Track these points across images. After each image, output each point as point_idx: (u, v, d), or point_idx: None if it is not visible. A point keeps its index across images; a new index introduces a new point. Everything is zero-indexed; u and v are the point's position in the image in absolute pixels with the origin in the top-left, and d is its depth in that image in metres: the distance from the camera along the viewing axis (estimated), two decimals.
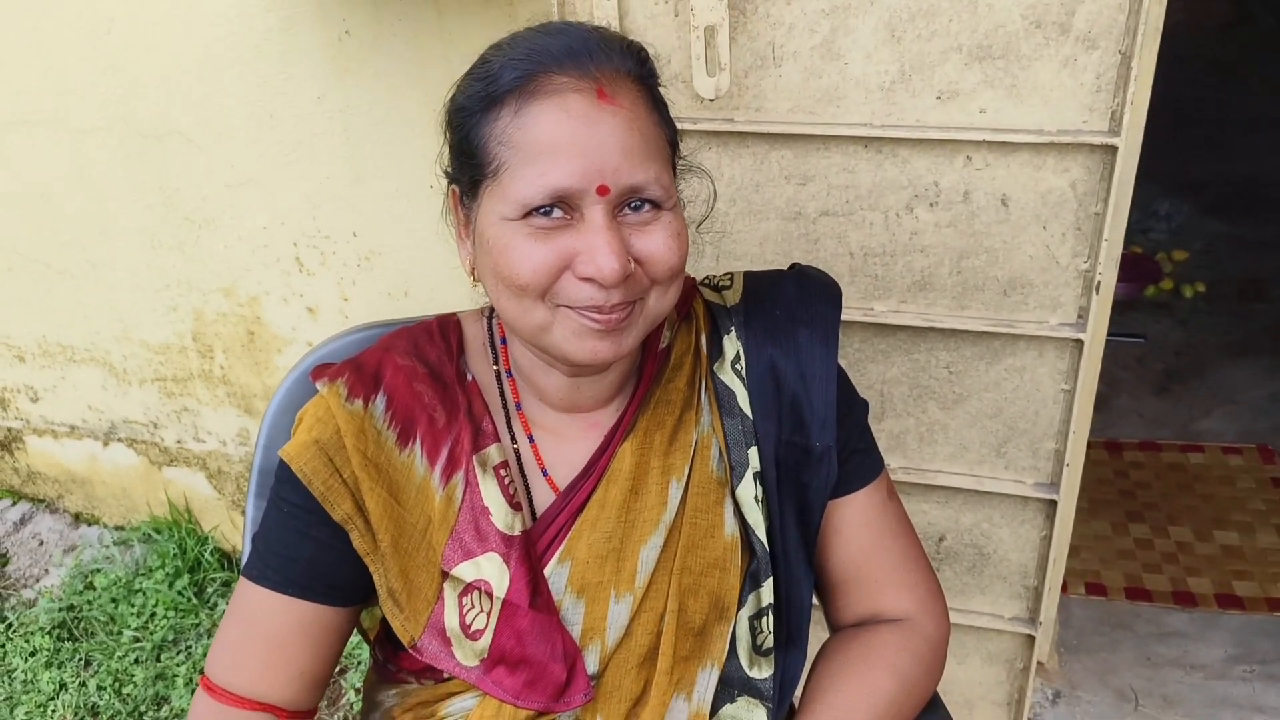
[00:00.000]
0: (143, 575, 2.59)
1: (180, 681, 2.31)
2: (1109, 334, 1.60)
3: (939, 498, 1.72)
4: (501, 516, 0.97)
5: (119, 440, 2.64)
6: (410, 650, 0.98)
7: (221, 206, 2.15)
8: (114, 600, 2.54)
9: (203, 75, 2.01)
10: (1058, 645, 2.15)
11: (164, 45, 2.01)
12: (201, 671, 1.02)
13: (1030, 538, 1.71)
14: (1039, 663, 1.98)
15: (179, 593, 2.52)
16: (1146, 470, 2.80)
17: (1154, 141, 2.61)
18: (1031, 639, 1.78)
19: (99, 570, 2.63)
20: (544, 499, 1.02)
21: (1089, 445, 2.33)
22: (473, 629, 0.97)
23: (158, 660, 2.38)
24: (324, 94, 1.92)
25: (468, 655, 0.97)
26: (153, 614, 2.50)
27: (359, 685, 2.23)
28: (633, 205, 0.89)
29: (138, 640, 2.43)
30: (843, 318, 1.58)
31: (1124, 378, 3.14)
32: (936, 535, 1.76)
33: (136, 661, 2.37)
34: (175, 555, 2.60)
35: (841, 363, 1.61)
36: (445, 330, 1.06)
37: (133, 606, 2.51)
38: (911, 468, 1.71)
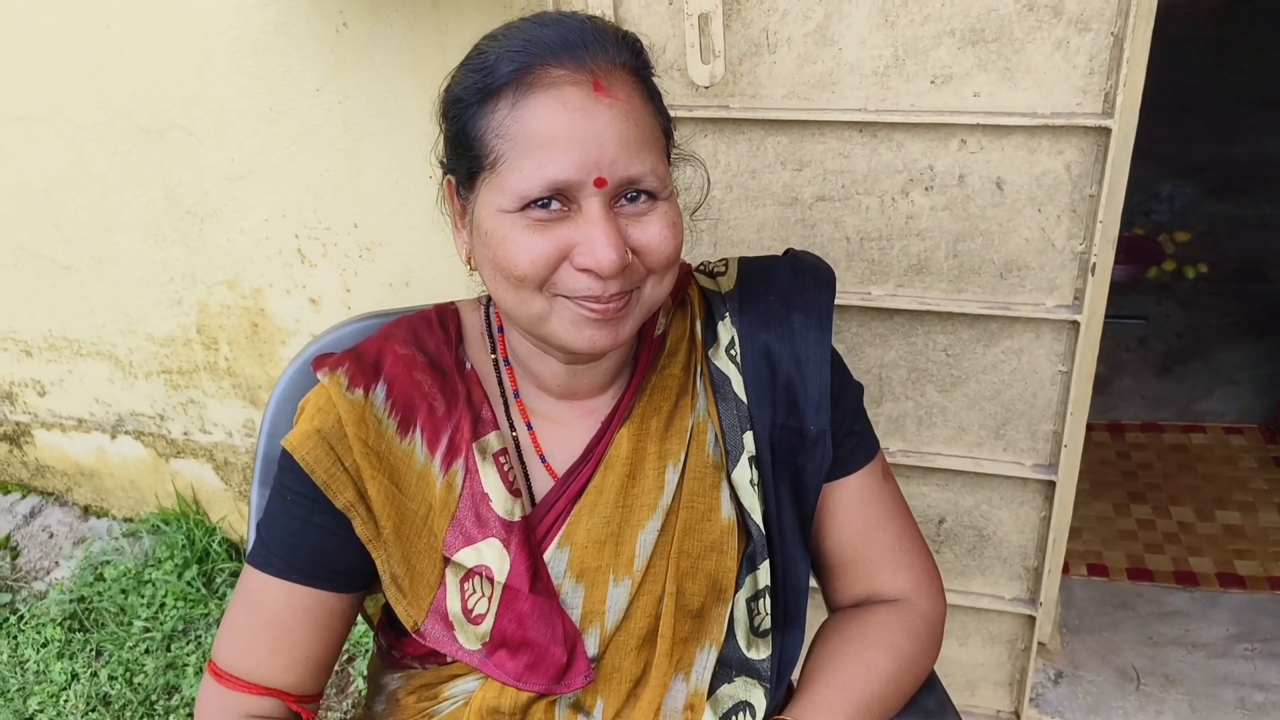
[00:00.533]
0: (152, 566, 2.62)
1: (190, 671, 2.34)
2: (1110, 315, 1.60)
3: (938, 480, 1.73)
4: (501, 503, 0.99)
5: (126, 433, 2.66)
6: (414, 635, 0.99)
7: (223, 200, 2.16)
8: (124, 591, 2.56)
9: (202, 69, 2.02)
10: (1059, 626, 2.16)
11: (163, 40, 2.02)
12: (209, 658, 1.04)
13: (1030, 519, 1.72)
14: (1040, 643, 2.00)
15: (188, 583, 2.54)
16: (1148, 451, 2.80)
17: (1156, 123, 2.61)
18: (1032, 619, 1.79)
19: (108, 562, 2.66)
20: (543, 485, 1.03)
21: (1091, 427, 2.33)
22: (474, 613, 0.98)
23: (168, 650, 2.40)
24: (322, 86, 1.93)
25: (470, 639, 0.99)
26: (162, 604, 2.52)
27: (366, 673, 2.25)
28: (629, 196, 0.90)
29: (148, 630, 2.45)
30: (840, 302, 1.60)
31: (1126, 359, 3.15)
32: (936, 517, 1.77)
33: (147, 651, 2.40)
34: (184, 546, 2.62)
35: (839, 347, 1.63)
36: (444, 319, 1.07)
37: (142, 597, 2.53)
38: (911, 450, 1.72)
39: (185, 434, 2.58)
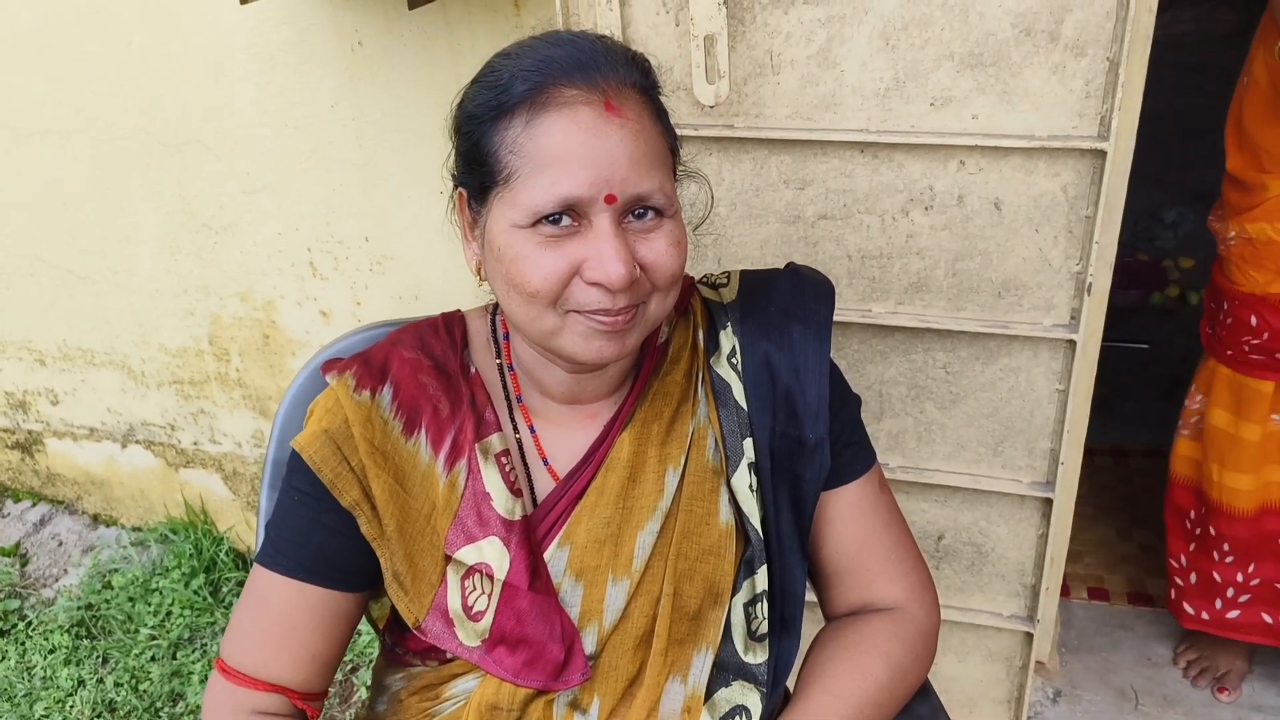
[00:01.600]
0: (159, 575, 2.65)
1: (195, 679, 2.36)
2: (1112, 340, 1.61)
3: (937, 496, 1.75)
4: (502, 502, 1.01)
5: (137, 442, 2.69)
6: (415, 631, 1.02)
7: (238, 213, 2.20)
8: (131, 599, 2.59)
9: (220, 85, 2.07)
10: (1059, 645, 2.17)
11: (182, 57, 2.07)
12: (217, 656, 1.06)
13: (1028, 536, 1.73)
14: (1039, 662, 2.01)
15: (195, 592, 2.57)
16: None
17: (1161, 149, 2.61)
18: (1030, 637, 1.81)
19: (117, 570, 2.69)
20: (544, 486, 1.06)
21: (1094, 451, 2.33)
22: (474, 610, 1.01)
23: (174, 658, 2.43)
24: (337, 103, 1.97)
25: (469, 636, 1.01)
26: (169, 613, 2.55)
27: (371, 675, 2.27)
28: (636, 212, 0.93)
29: (154, 638, 2.47)
30: (841, 319, 1.63)
31: (1128, 383, 3.16)
32: (935, 534, 1.79)
33: (153, 659, 2.42)
34: (191, 555, 2.65)
35: (841, 363, 1.66)
36: (450, 325, 1.10)
37: (149, 605, 2.56)
38: (910, 467, 1.74)
39: (195, 444, 2.61)
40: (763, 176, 1.59)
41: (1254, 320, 1.81)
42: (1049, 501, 1.68)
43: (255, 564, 1.05)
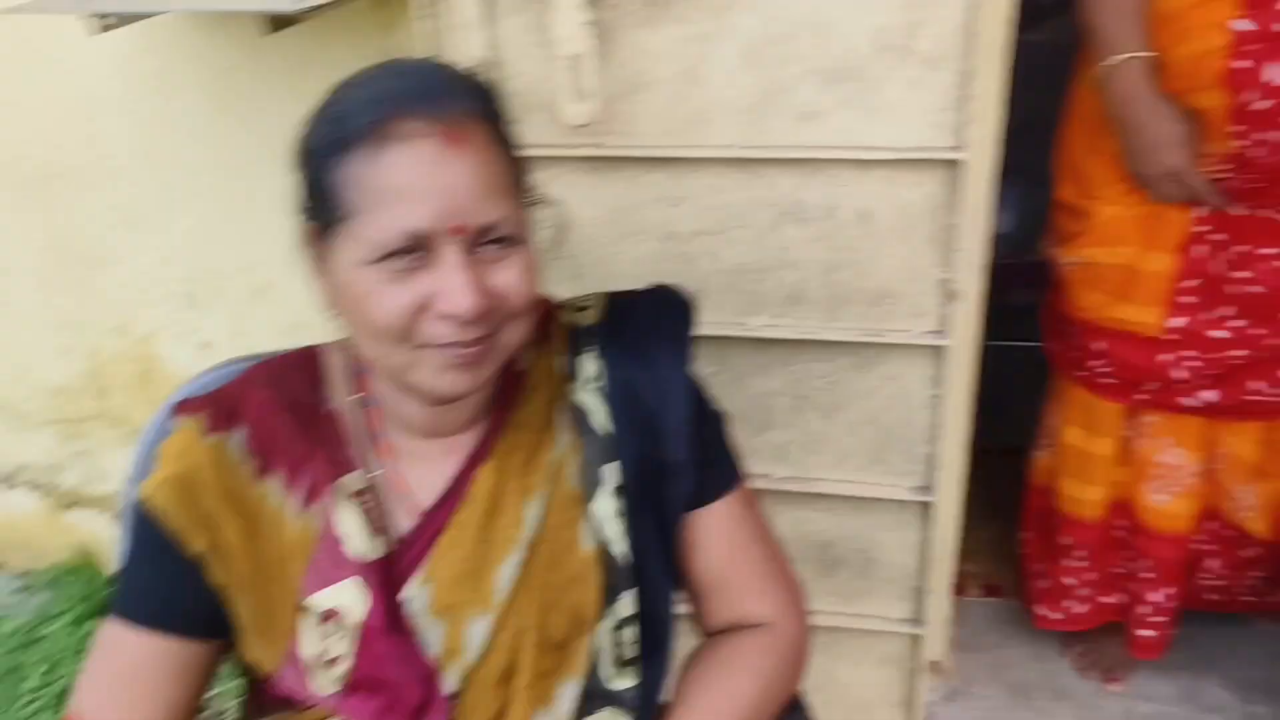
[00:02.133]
0: (48, 621, 2.55)
1: None
2: (1005, 341, 1.63)
3: (824, 505, 1.77)
4: (361, 543, 0.99)
5: (20, 485, 2.60)
6: (270, 680, 0.99)
7: (112, 245, 2.14)
8: (22, 647, 2.49)
9: (89, 116, 2.01)
10: (955, 644, 2.20)
11: (50, 88, 2.01)
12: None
13: (912, 540, 1.76)
14: (935, 662, 2.04)
15: (84, 637, 2.47)
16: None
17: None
18: (919, 639, 1.83)
19: (5, 617, 2.58)
20: (405, 524, 1.04)
21: (989, 451, 2.37)
22: (332, 656, 0.98)
23: (55, 710, 2.33)
24: (207, 131, 1.93)
25: (325, 682, 0.98)
26: (58, 660, 2.45)
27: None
28: (485, 242, 0.92)
29: (41, 687, 2.38)
30: (721, 334, 1.64)
31: (1023, 384, 3.22)
32: (824, 542, 1.80)
33: (39, 710, 2.33)
34: (82, 599, 2.55)
35: (722, 377, 1.67)
36: (306, 361, 1.09)
37: (36, 655, 2.46)
38: (796, 477, 1.75)
39: (80, 484, 2.52)
40: (637, 195, 1.60)
41: (1103, 346, 1.83)
42: (930, 505, 1.71)
43: (108, 615, 1.01)
